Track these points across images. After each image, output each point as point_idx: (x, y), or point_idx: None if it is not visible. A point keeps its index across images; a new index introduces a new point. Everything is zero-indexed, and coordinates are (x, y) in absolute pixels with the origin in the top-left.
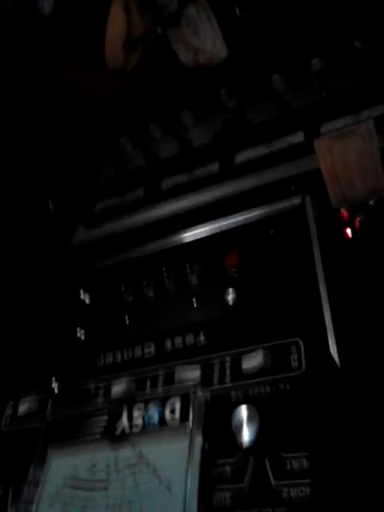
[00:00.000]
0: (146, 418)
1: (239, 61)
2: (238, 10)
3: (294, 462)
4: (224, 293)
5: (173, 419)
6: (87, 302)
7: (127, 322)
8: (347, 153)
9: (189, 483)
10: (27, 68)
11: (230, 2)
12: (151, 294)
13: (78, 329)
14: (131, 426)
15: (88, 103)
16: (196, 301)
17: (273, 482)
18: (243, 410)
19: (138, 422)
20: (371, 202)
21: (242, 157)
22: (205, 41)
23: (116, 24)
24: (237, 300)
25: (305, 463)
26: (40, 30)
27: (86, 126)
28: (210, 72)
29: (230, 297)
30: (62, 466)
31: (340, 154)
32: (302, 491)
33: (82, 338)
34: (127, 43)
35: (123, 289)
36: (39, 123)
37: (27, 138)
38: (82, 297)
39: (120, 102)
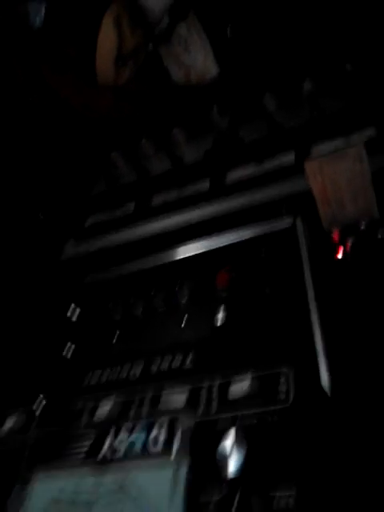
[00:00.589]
0: (128, 445)
1: (231, 80)
2: (229, 31)
3: (281, 500)
4: (213, 312)
5: (156, 447)
6: (75, 318)
7: (115, 340)
8: (338, 174)
9: None
10: (19, 82)
11: (221, 22)
12: (140, 311)
13: (66, 346)
14: (114, 452)
15: (80, 118)
16: (185, 320)
17: None
18: (228, 442)
19: (121, 448)
20: (362, 224)
21: (233, 175)
22: (196, 58)
23: (107, 39)
24: (226, 320)
25: (292, 502)
26: (32, 45)
27: (77, 141)
28: (201, 90)
29: (220, 317)
30: (46, 488)
31: (330, 175)
32: None
33: (69, 355)
34: (118, 58)
35: (111, 306)
36: (31, 137)
37: (19, 151)
38: (70, 313)
39: (112, 117)
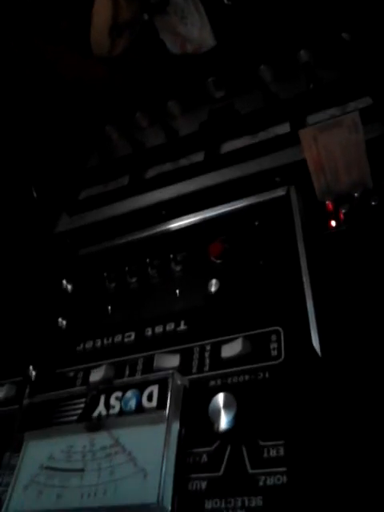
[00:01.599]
0: (123, 404)
1: (227, 51)
2: (225, 0)
3: (271, 450)
4: (207, 282)
5: (150, 405)
6: (69, 289)
7: (109, 310)
8: (333, 144)
9: (164, 469)
10: (12, 53)
11: None
12: (134, 282)
13: (60, 317)
14: (108, 412)
15: (74, 90)
16: (179, 289)
17: (249, 470)
18: (220, 397)
19: (115, 407)
20: (356, 194)
21: (228, 147)
22: (192, 29)
23: (102, 9)
24: (219, 289)
25: (282, 451)
26: (24, 15)
27: (71, 113)
28: (197, 62)
29: (213, 286)
30: (38, 451)
31: (325, 144)
32: (278, 479)
33: (64, 325)
34: (113, 29)
35: (106, 277)
36: (23, 109)
37: (11, 124)
38: (64, 285)
39: (106, 89)
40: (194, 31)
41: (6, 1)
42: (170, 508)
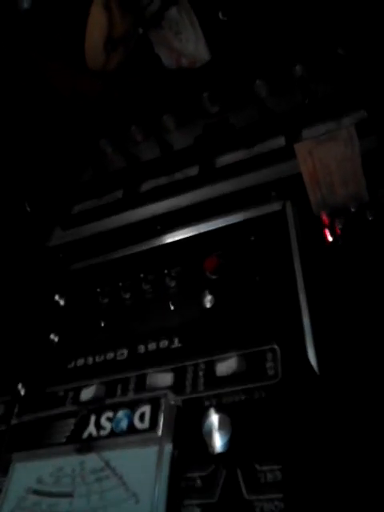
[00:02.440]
0: (114, 425)
1: (222, 66)
2: (220, 14)
3: (267, 474)
4: (202, 297)
5: (142, 426)
6: (62, 304)
7: (102, 325)
8: (328, 157)
9: (157, 493)
10: (8, 66)
11: (213, 6)
12: (128, 297)
13: (51, 332)
14: (98, 433)
15: (69, 103)
16: (173, 305)
17: (245, 496)
18: (214, 416)
19: (106, 427)
20: (352, 208)
21: (223, 160)
22: (187, 43)
23: (97, 23)
24: (214, 304)
25: (279, 476)
26: (20, 28)
27: (66, 127)
28: (192, 76)
29: (208, 301)
30: (26, 472)
31: (321, 158)
32: (276, 506)
33: (55, 341)
34: (108, 43)
35: (99, 291)
36: (18, 122)
37: (5, 136)
38: (57, 299)
39: (101, 103)
40: (188, 46)
41: (2, 14)
42: None
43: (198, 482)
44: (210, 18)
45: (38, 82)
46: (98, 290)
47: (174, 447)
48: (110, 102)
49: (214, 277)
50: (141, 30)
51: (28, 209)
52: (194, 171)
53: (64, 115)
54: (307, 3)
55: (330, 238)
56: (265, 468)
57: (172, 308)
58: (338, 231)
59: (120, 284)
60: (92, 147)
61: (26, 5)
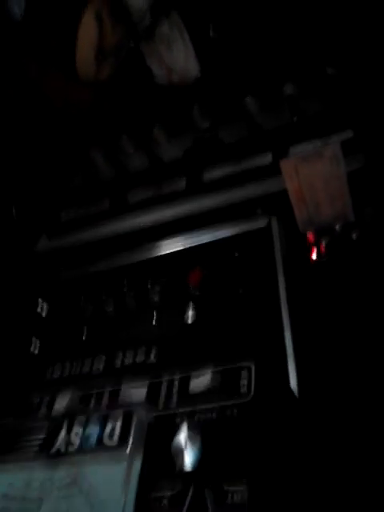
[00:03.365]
0: (84, 437)
1: (212, 81)
2: (211, 31)
3: (234, 494)
4: (184, 310)
5: (111, 440)
6: (45, 314)
7: (83, 336)
8: (314, 175)
9: (124, 508)
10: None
11: (204, 22)
12: (110, 308)
13: (33, 341)
14: (67, 446)
15: (60, 112)
16: (155, 318)
17: (212, 510)
18: (184, 434)
19: (76, 440)
20: (337, 227)
21: (210, 175)
22: (177, 57)
23: (88, 33)
24: (196, 319)
25: (246, 496)
26: (13, 37)
27: (56, 135)
28: (183, 89)
29: (189, 315)
30: None
31: (307, 176)
32: None
33: (37, 350)
34: (99, 53)
35: (83, 302)
36: (7, 129)
37: None
38: (40, 308)
39: (92, 113)
40: (179, 60)
41: None
42: None
43: (165, 501)
44: (200, 35)
45: (30, 90)
46: (82, 298)
47: (143, 464)
48: (101, 112)
49: (197, 292)
50: (132, 43)
51: (14, 215)
52: (181, 184)
53: (55, 123)
54: (298, 22)
55: (315, 256)
56: (232, 488)
57: (154, 321)
58: (323, 249)
59: (104, 293)
60: (82, 156)
61: (18, 14)
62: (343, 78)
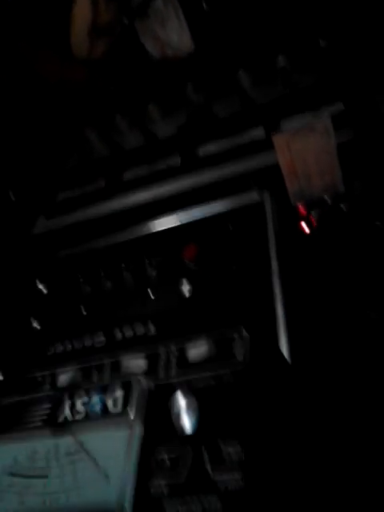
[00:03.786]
0: (88, 408)
1: (206, 56)
2: (204, 5)
3: (230, 450)
4: (180, 285)
5: (115, 408)
6: (44, 291)
7: (82, 312)
8: (305, 149)
9: (126, 472)
10: None
11: None
12: (109, 285)
13: (32, 318)
14: (73, 415)
15: (54, 91)
16: (152, 292)
17: (210, 471)
18: (182, 400)
19: (81, 410)
20: (328, 199)
21: (204, 150)
22: (171, 33)
23: (81, 11)
24: (191, 292)
25: (240, 452)
26: (7, 17)
27: (51, 115)
28: (177, 66)
29: (186, 289)
30: (2, 454)
31: (298, 150)
32: (235, 480)
33: (36, 327)
34: (93, 31)
35: (82, 279)
36: (3, 110)
37: None
38: (41, 286)
39: (86, 91)
40: (173, 36)
41: None
42: (131, 510)
43: (166, 458)
44: (193, 9)
45: (24, 70)
46: (80, 277)
47: (145, 429)
48: (95, 91)
49: (192, 265)
50: (126, 20)
51: (12, 197)
52: (176, 160)
53: (49, 103)
54: None
55: (306, 229)
56: (228, 444)
57: (151, 296)
58: (314, 222)
59: (102, 271)
60: (77, 135)
61: None
62: (335, 51)
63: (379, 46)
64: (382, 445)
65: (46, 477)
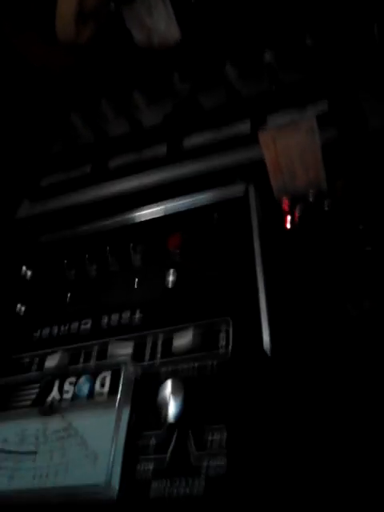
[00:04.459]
0: (76, 389)
1: (193, 46)
2: None
3: (214, 433)
4: (165, 273)
5: (102, 392)
6: (28, 277)
7: (68, 298)
8: (290, 146)
9: (114, 453)
10: None
11: None
12: (93, 271)
13: (18, 303)
14: (62, 397)
15: (39, 76)
16: (137, 280)
17: (193, 453)
18: (168, 385)
19: (69, 393)
20: (311, 195)
21: (190, 141)
22: (158, 21)
23: None
24: (176, 280)
25: (224, 435)
26: None
27: (36, 99)
28: (163, 54)
29: (170, 278)
30: None
31: (284, 146)
32: (219, 463)
33: (21, 311)
34: (79, 16)
35: (66, 266)
36: None
37: None
38: (24, 272)
39: (72, 77)
40: (160, 24)
41: None
42: (117, 488)
43: (153, 441)
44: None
45: (8, 53)
46: (65, 262)
47: (132, 411)
48: (81, 76)
49: (176, 255)
50: (113, 5)
51: None
52: (161, 150)
53: (35, 87)
54: None
55: (289, 224)
56: (212, 428)
57: (136, 283)
58: (297, 217)
59: (86, 257)
60: (62, 120)
61: None
62: (321, 50)
63: (364, 46)
64: (360, 432)
65: (34, 457)
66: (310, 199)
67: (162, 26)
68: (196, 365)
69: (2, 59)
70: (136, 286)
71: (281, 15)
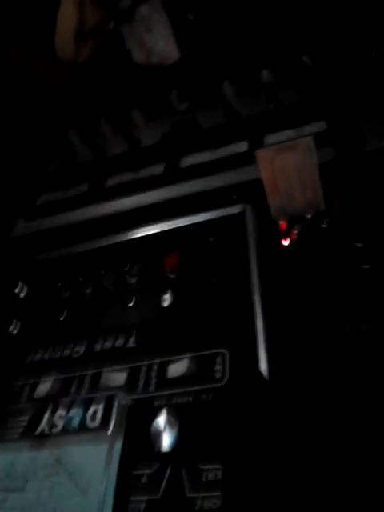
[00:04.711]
0: (65, 422)
1: (191, 65)
2: (190, 15)
3: (209, 473)
4: (160, 296)
5: (93, 425)
6: (23, 295)
7: (62, 318)
8: (288, 166)
9: (105, 489)
10: None
11: (183, 6)
12: (88, 291)
13: (13, 323)
14: (51, 430)
15: (38, 93)
16: (132, 302)
17: (187, 493)
18: (162, 418)
19: (59, 423)
20: (308, 215)
21: (188, 161)
22: (157, 40)
23: (67, 14)
24: (171, 303)
25: (219, 475)
26: None
27: (34, 117)
28: (162, 73)
29: (166, 300)
30: None
31: (281, 166)
32: (214, 503)
33: (16, 332)
34: (78, 35)
35: (61, 284)
36: None
37: None
38: (18, 290)
39: (71, 94)
40: (159, 42)
41: None
42: None
43: (144, 478)
44: (180, 18)
45: (8, 70)
46: (59, 283)
47: (124, 445)
48: (80, 93)
49: (173, 276)
50: (112, 24)
51: None
52: (159, 169)
53: (33, 105)
54: (277, 10)
55: (287, 244)
56: (207, 467)
57: (131, 305)
58: (295, 237)
59: (80, 279)
60: (60, 138)
61: None
62: (318, 70)
63: (362, 67)
64: (362, 464)
65: (22, 490)
66: (308, 219)
67: (161, 44)
68: (191, 395)
69: (1, 75)
70: (131, 308)
71: (279, 35)
